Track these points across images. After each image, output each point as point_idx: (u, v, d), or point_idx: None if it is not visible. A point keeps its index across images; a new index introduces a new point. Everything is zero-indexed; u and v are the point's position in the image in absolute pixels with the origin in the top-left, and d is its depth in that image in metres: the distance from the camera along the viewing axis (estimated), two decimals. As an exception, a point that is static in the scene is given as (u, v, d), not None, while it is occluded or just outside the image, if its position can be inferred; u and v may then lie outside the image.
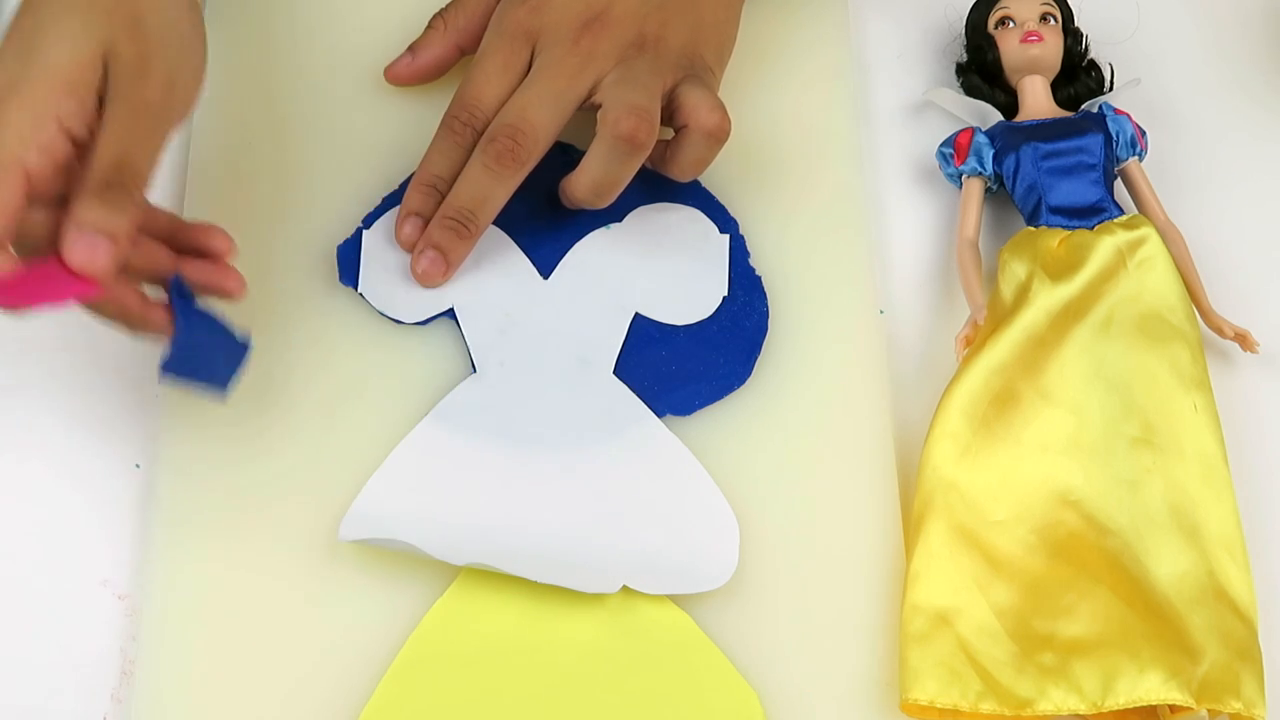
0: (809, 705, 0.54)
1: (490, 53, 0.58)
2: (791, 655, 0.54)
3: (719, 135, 0.57)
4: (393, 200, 0.60)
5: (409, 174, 0.61)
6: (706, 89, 0.57)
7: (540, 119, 0.56)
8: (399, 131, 0.62)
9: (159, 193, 0.62)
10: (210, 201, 0.60)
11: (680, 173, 0.59)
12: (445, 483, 0.55)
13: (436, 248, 0.57)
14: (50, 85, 0.47)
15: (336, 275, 0.59)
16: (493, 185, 0.56)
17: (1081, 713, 0.54)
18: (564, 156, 0.59)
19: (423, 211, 0.58)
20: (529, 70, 0.57)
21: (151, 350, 0.59)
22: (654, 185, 0.61)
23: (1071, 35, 0.66)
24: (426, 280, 0.58)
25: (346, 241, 0.59)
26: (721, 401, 0.58)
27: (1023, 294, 0.60)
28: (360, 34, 0.64)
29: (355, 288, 0.59)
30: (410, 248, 0.58)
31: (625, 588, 0.54)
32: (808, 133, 0.64)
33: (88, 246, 0.47)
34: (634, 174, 0.57)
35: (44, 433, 0.57)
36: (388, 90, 0.63)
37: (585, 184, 0.57)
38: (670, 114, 0.57)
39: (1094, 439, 0.57)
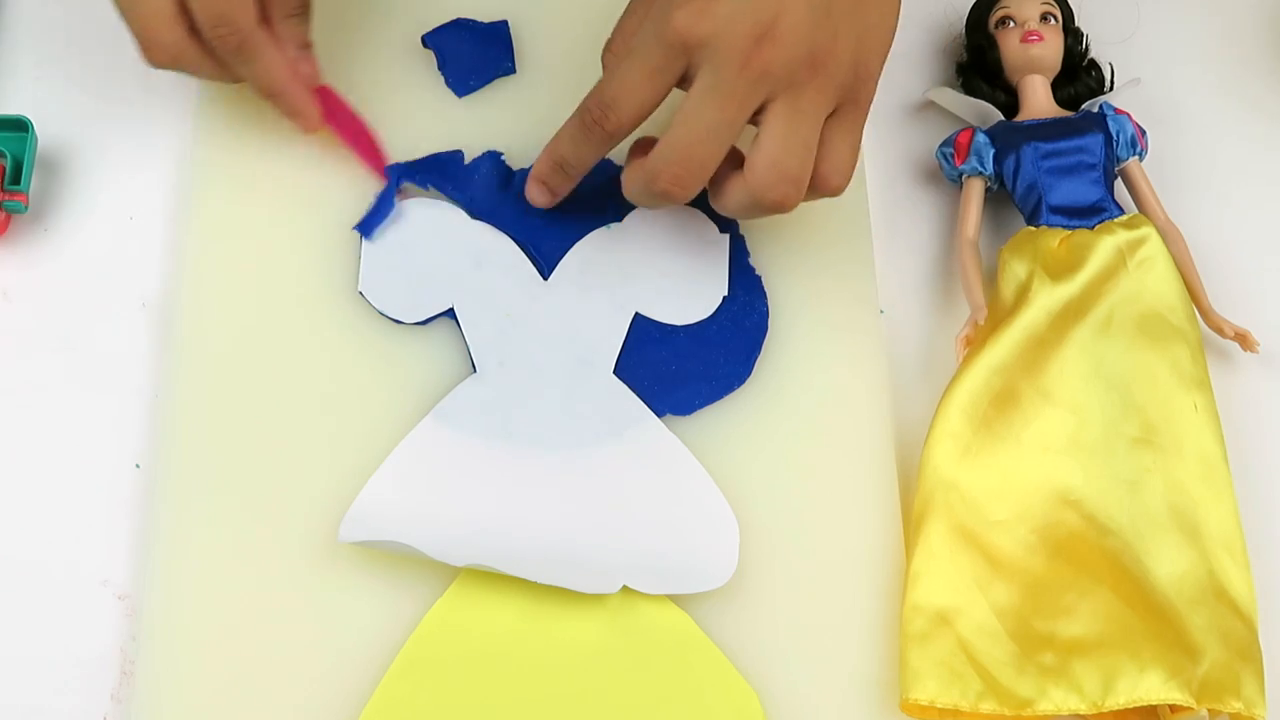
0: (809, 705, 0.54)
1: (642, 55, 0.53)
2: (791, 655, 0.54)
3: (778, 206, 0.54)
4: (386, 202, 0.60)
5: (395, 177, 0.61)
6: (848, 136, 0.55)
7: (707, 157, 0.53)
8: (404, 134, 0.62)
9: (156, 188, 0.62)
10: (211, 201, 0.60)
11: (724, 209, 0.57)
12: (445, 483, 0.55)
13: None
14: None
15: (338, 274, 0.59)
16: (659, 206, 0.57)
17: (1082, 713, 0.54)
18: None
19: (550, 183, 0.58)
20: (679, 79, 0.53)
21: (153, 347, 0.59)
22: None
23: (1072, 35, 0.66)
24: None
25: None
26: (721, 401, 0.58)
27: (1023, 294, 0.60)
28: (364, 33, 0.64)
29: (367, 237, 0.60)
30: (539, 205, 0.59)
31: (625, 588, 0.54)
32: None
33: (308, 62, 0.59)
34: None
35: (44, 433, 0.57)
36: (394, 90, 0.63)
37: (724, 210, 0.56)
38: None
39: (1094, 439, 0.57)
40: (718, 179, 0.55)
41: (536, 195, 0.59)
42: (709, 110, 0.52)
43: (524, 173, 0.61)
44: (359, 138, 0.60)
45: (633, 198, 0.56)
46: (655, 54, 0.53)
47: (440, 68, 0.64)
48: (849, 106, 0.54)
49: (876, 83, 0.55)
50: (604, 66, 0.57)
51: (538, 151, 0.61)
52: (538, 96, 0.63)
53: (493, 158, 0.61)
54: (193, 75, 0.58)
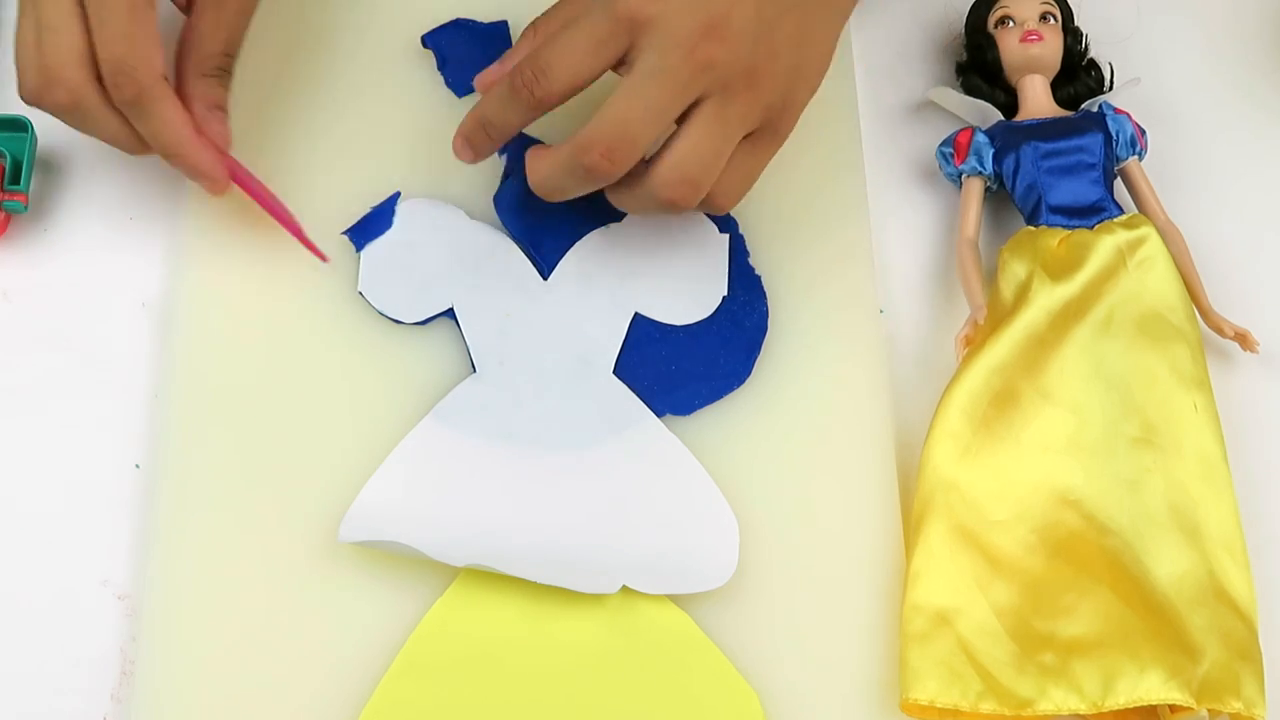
0: (809, 705, 0.54)
1: (588, 26, 0.52)
2: (791, 655, 0.54)
3: (673, 205, 0.54)
4: (383, 217, 0.60)
5: (396, 191, 0.61)
6: (755, 161, 0.55)
7: (641, 136, 0.52)
8: (404, 135, 0.62)
9: (155, 188, 0.62)
10: (211, 202, 0.60)
11: (618, 201, 0.56)
12: (445, 483, 0.55)
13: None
14: None
15: (337, 276, 0.59)
16: (577, 187, 0.55)
17: (1082, 713, 0.54)
18: None
19: (472, 140, 0.56)
20: (621, 59, 0.52)
21: (153, 347, 0.59)
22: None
23: (1071, 34, 0.66)
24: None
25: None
26: (721, 401, 0.58)
27: (1023, 293, 0.60)
28: (364, 33, 0.64)
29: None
30: (464, 160, 0.57)
31: (625, 588, 0.54)
32: (808, 133, 0.64)
33: (219, 123, 0.57)
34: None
35: (44, 433, 0.57)
36: (394, 90, 0.63)
37: (534, 181, 0.55)
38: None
39: (1094, 439, 0.57)
40: None
41: (460, 149, 0.57)
42: (651, 89, 0.52)
43: (520, 172, 0.61)
44: (272, 205, 0.58)
45: (549, 177, 0.55)
46: (602, 26, 0.52)
47: (440, 68, 0.64)
48: (768, 133, 0.54)
49: (797, 118, 0.55)
50: (522, 38, 0.56)
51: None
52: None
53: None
54: (85, 128, 0.55)
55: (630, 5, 0.51)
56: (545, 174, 0.55)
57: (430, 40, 0.64)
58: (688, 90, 0.52)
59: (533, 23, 0.57)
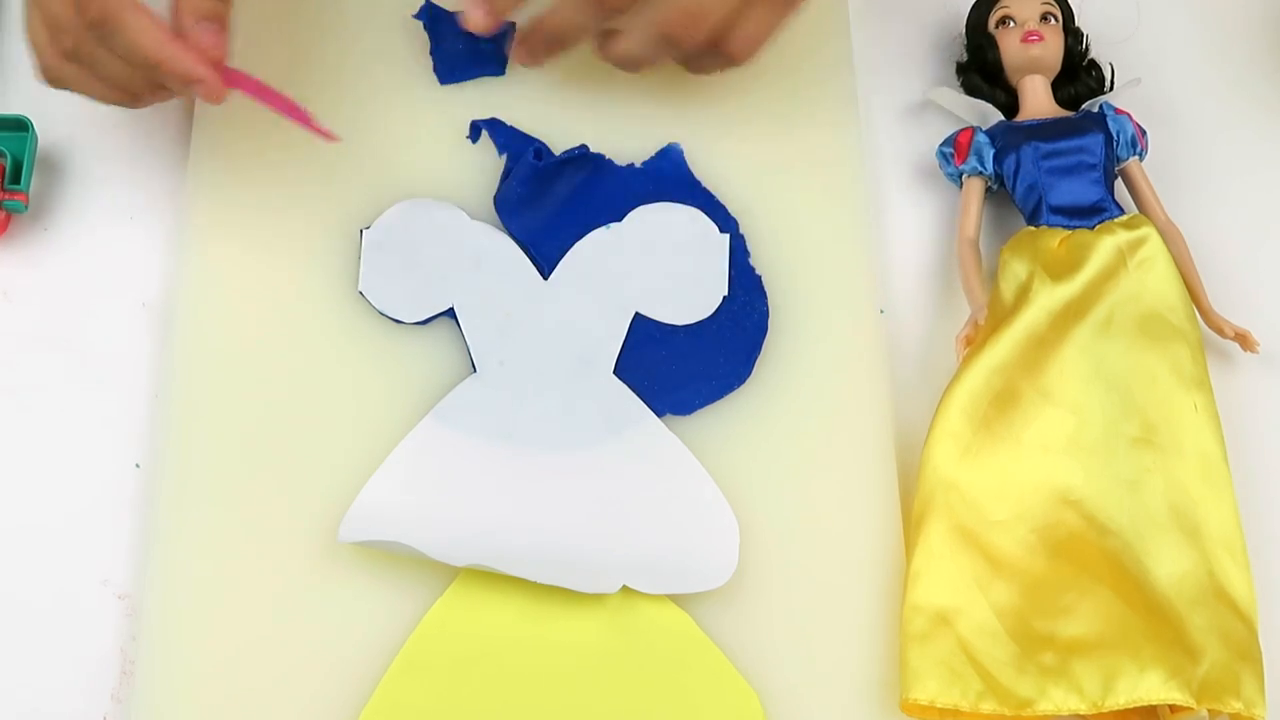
0: (809, 705, 0.54)
1: None
2: (791, 655, 0.54)
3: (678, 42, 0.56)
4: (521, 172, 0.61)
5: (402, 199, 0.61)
6: (769, 15, 0.57)
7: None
8: (404, 143, 0.62)
9: (156, 188, 0.62)
10: (211, 202, 0.60)
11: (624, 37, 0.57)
12: (445, 483, 0.55)
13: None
14: None
15: (338, 274, 0.59)
16: (650, 57, 0.58)
17: (1082, 713, 0.54)
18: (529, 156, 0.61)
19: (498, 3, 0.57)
20: None
21: (153, 347, 0.59)
22: (654, 185, 0.61)
23: (1072, 35, 0.66)
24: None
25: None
26: (721, 401, 0.58)
27: (1023, 293, 0.60)
28: (368, 36, 0.64)
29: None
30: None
31: (625, 588, 0.54)
32: (808, 132, 0.64)
33: (209, 33, 0.54)
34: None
35: (44, 433, 0.57)
36: (400, 94, 0.63)
37: (619, 55, 0.57)
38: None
39: (1094, 439, 0.57)
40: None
41: (478, 20, 0.57)
42: None
43: (519, 172, 0.61)
44: (277, 101, 0.57)
45: (632, 47, 0.57)
46: None
47: (431, 51, 0.64)
48: None
49: None
50: None
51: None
52: (519, 103, 0.63)
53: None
54: (93, 83, 0.55)
55: None
56: (630, 44, 0.57)
57: (427, 22, 0.64)
58: None
59: None
